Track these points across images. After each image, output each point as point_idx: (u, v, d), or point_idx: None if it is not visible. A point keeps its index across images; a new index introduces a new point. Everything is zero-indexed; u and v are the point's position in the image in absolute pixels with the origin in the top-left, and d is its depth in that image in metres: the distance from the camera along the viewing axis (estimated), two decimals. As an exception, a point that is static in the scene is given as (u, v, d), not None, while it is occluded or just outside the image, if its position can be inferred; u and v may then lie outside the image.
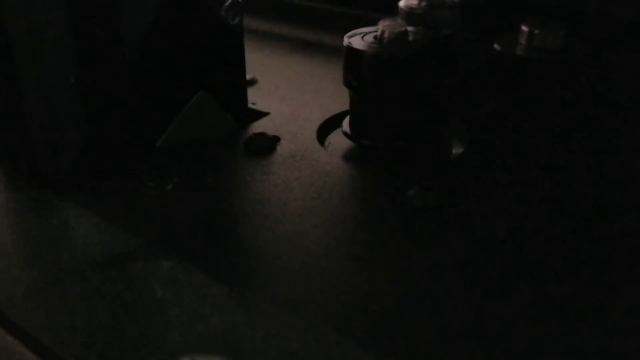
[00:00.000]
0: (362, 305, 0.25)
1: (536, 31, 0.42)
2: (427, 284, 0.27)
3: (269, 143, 0.38)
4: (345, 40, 0.37)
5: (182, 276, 0.27)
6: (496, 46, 0.44)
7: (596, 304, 0.25)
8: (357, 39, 0.37)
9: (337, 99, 0.43)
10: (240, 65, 0.41)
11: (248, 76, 0.47)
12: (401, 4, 0.39)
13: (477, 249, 0.29)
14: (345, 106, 0.40)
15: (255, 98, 0.45)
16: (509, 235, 0.30)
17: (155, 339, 0.24)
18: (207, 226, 0.31)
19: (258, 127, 0.41)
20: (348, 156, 0.39)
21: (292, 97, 0.45)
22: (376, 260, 0.28)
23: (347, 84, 0.37)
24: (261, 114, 0.43)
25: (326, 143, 0.40)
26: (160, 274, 0.28)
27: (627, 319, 0.25)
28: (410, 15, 0.39)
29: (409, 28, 0.37)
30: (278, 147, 0.38)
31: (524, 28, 0.43)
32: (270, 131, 0.40)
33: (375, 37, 0.37)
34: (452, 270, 0.28)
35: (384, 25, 0.37)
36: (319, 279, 0.27)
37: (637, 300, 0.26)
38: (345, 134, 0.39)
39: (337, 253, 0.29)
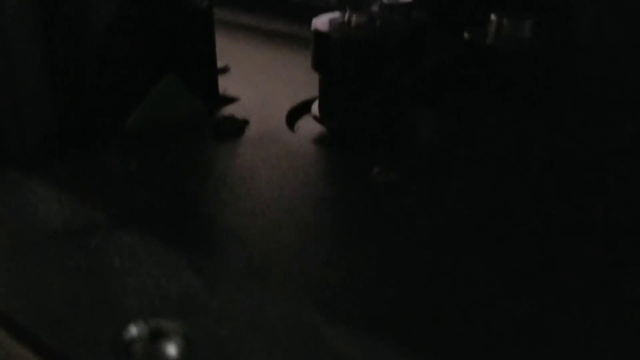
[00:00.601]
0: (321, 275, 0.26)
1: (505, 21, 0.43)
2: (385, 256, 0.27)
3: (237, 126, 0.38)
4: (314, 24, 0.37)
5: (141, 248, 0.27)
6: (466, 35, 0.44)
7: (554, 280, 0.26)
8: (325, 23, 0.37)
9: (308, 86, 0.43)
10: (210, 49, 0.41)
11: (220, 64, 0.47)
12: None
13: (437, 225, 0.29)
14: (316, 93, 0.40)
15: (227, 85, 0.45)
16: (469, 214, 0.30)
17: (110, 305, 0.24)
18: (170, 203, 0.31)
19: (227, 111, 0.41)
20: (316, 139, 0.39)
21: (263, 84, 0.46)
22: (336, 234, 0.28)
23: (315, 67, 0.38)
24: (231, 100, 0.43)
25: (295, 127, 0.41)
26: (120, 246, 0.28)
27: (583, 291, 0.25)
28: None
29: (377, 14, 0.38)
30: (247, 131, 0.39)
31: (493, 18, 0.44)
32: (240, 115, 0.40)
33: (343, 21, 0.37)
34: (411, 245, 0.28)
35: (351, 10, 0.37)
36: (278, 250, 0.27)
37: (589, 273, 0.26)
38: (314, 117, 0.39)
39: (298, 227, 0.29)
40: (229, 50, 0.52)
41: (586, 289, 0.25)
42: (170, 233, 0.29)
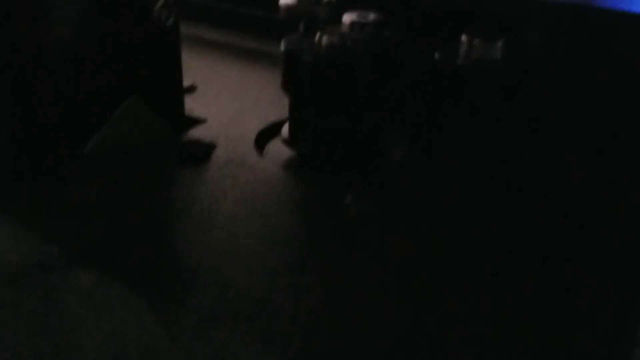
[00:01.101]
0: (289, 320, 0.24)
1: (475, 41, 0.42)
2: (358, 291, 0.26)
3: (204, 150, 0.37)
4: (283, 44, 0.36)
5: (100, 289, 0.26)
6: (437, 55, 0.44)
7: (522, 303, 0.25)
8: (295, 44, 0.36)
9: (277, 107, 0.41)
10: (176, 69, 0.39)
11: (187, 83, 0.46)
12: (281, 2, 0.40)
13: (409, 254, 0.28)
14: (286, 113, 0.39)
15: (194, 105, 0.43)
16: (439, 241, 0.29)
17: (67, 355, 0.22)
18: (131, 236, 0.29)
19: (194, 134, 0.40)
20: (286, 164, 0.38)
21: (232, 104, 0.44)
22: (306, 271, 0.27)
23: (285, 88, 0.36)
24: (198, 121, 0.41)
25: (264, 151, 0.39)
26: (78, 286, 0.26)
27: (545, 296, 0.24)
28: (288, 10, 0.39)
29: (348, 35, 0.37)
30: (214, 155, 0.37)
31: (464, 38, 0.43)
32: (207, 138, 0.39)
33: (313, 42, 0.36)
34: (383, 274, 0.27)
35: (322, 31, 0.36)
36: (243, 291, 0.26)
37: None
38: (284, 141, 0.38)
39: (265, 264, 0.28)
40: (197, 67, 0.51)
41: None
42: (131, 272, 0.27)
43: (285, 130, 0.38)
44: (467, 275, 0.27)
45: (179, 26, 0.37)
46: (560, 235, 0.30)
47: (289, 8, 0.41)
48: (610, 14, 0.33)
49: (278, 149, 0.39)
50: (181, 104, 0.41)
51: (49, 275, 0.27)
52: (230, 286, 0.26)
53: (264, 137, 0.40)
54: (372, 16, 0.44)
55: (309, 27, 0.40)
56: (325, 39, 0.35)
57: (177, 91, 0.40)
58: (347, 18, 0.43)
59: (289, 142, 0.38)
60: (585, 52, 0.47)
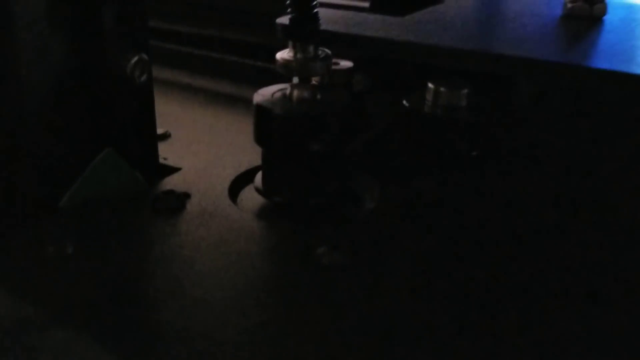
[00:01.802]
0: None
1: (442, 89, 0.44)
2: (333, 343, 0.27)
3: (177, 201, 0.38)
4: (255, 99, 0.37)
5: (76, 349, 0.26)
6: (405, 103, 0.45)
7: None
8: (267, 97, 0.37)
9: (252, 153, 0.42)
10: (150, 121, 0.40)
11: (161, 130, 0.46)
12: (277, 55, 0.41)
13: (379, 309, 0.29)
14: (260, 160, 0.40)
15: (167, 153, 0.44)
16: (412, 295, 0.30)
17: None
18: (107, 293, 0.30)
19: (168, 183, 0.40)
20: (259, 213, 0.39)
21: (206, 151, 0.45)
22: (281, 328, 0.28)
23: (258, 141, 0.37)
24: (172, 170, 0.42)
25: (238, 199, 0.40)
26: (54, 347, 0.26)
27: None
28: (286, 67, 0.40)
29: (318, 87, 0.38)
30: (188, 205, 0.38)
31: (430, 86, 0.45)
32: (181, 188, 0.39)
33: (284, 95, 0.37)
34: (357, 325, 0.28)
35: (292, 84, 0.37)
36: (218, 350, 0.26)
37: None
38: (257, 189, 0.39)
39: (240, 321, 0.28)
40: (170, 112, 0.52)
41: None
42: (106, 327, 0.27)
43: (258, 179, 0.39)
44: (442, 325, 0.28)
45: (152, 82, 0.38)
46: (532, 278, 0.31)
47: (285, 62, 0.40)
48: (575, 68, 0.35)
49: (252, 197, 0.40)
50: (155, 155, 0.41)
51: (24, 335, 0.27)
52: (206, 339, 0.27)
53: (237, 185, 0.41)
54: (341, 64, 0.46)
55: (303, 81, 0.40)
56: (295, 93, 0.37)
57: (151, 143, 0.40)
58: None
59: (262, 191, 0.39)
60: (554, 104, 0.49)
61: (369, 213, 0.39)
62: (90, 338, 0.27)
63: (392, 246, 0.34)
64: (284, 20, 0.39)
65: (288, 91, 0.37)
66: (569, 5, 0.45)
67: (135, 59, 0.36)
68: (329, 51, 0.40)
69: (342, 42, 0.40)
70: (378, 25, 0.41)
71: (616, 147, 0.46)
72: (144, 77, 0.36)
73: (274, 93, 0.38)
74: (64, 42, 0.34)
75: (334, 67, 0.44)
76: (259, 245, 0.35)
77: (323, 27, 0.39)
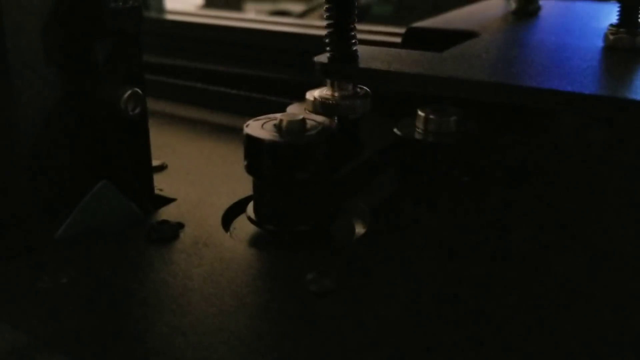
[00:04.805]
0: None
1: (431, 116, 0.45)
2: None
3: (171, 231, 0.38)
4: (245, 129, 0.38)
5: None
6: (396, 130, 0.46)
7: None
8: (257, 127, 0.38)
9: (246, 183, 0.43)
10: (145, 153, 0.41)
11: (158, 162, 0.47)
12: (315, 94, 0.41)
13: (368, 335, 0.29)
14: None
15: (163, 184, 0.45)
16: (401, 322, 0.30)
17: None
18: (100, 323, 0.30)
19: (163, 214, 0.41)
20: (252, 241, 0.39)
21: (201, 182, 0.46)
22: (271, 354, 0.28)
23: (248, 170, 0.38)
24: (168, 200, 0.43)
25: (231, 228, 0.41)
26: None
27: None
28: (324, 105, 0.40)
29: (308, 116, 0.39)
30: (181, 234, 0.38)
31: (420, 113, 0.46)
32: (175, 218, 0.40)
33: (274, 125, 0.38)
34: (347, 353, 0.28)
35: (282, 114, 0.38)
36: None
37: None
38: (249, 218, 0.40)
39: (231, 348, 0.28)
40: (168, 144, 0.53)
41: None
42: (98, 358, 0.28)
43: (250, 208, 0.40)
44: (433, 353, 0.28)
45: (146, 114, 0.39)
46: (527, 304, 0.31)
47: (323, 100, 0.41)
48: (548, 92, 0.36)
49: (244, 226, 0.41)
50: (151, 185, 0.42)
51: (16, 365, 0.27)
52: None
53: (230, 214, 0.42)
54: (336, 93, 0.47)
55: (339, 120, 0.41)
56: (284, 123, 0.37)
57: (146, 174, 0.41)
58: (310, 95, 0.45)
59: (254, 220, 0.39)
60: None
61: (359, 239, 0.39)
62: (80, 366, 0.27)
63: (382, 272, 0.35)
64: (323, 58, 0.40)
65: (277, 121, 0.38)
66: (611, 37, 0.44)
67: (129, 92, 0.37)
68: (367, 89, 0.40)
69: (383, 80, 0.39)
70: (418, 62, 0.40)
71: (610, 166, 0.46)
72: (137, 110, 0.37)
73: (264, 123, 0.39)
74: (58, 76, 0.35)
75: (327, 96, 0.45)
76: (249, 272, 0.35)
77: (366, 64, 0.39)
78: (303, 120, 0.38)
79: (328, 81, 0.40)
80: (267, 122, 0.39)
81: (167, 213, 0.41)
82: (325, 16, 0.40)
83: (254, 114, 0.40)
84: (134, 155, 0.40)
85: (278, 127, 0.38)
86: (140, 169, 0.41)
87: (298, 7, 1.28)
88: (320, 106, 0.41)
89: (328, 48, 0.40)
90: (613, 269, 0.35)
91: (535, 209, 0.42)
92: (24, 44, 0.34)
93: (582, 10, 0.58)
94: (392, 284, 0.33)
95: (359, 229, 0.41)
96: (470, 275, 0.34)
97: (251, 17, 0.79)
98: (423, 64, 0.40)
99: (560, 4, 0.62)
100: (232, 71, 0.64)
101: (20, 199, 0.35)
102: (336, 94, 0.41)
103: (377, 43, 0.51)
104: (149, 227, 0.39)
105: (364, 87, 0.42)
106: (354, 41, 0.40)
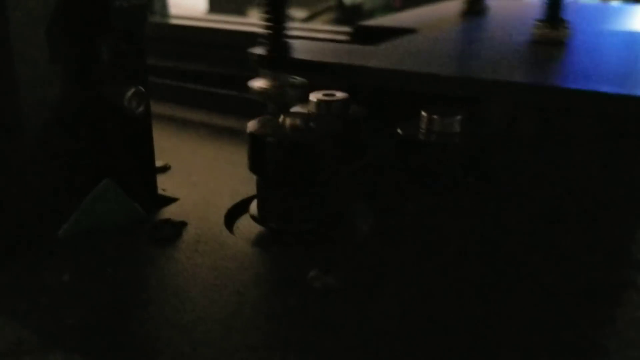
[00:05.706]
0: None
1: (434, 117, 0.45)
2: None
3: (174, 229, 0.38)
4: (249, 127, 0.38)
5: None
6: (399, 131, 0.46)
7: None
8: (261, 126, 0.38)
9: (249, 184, 0.43)
10: (148, 152, 0.41)
11: (161, 163, 0.47)
12: (254, 84, 0.44)
13: (371, 332, 0.29)
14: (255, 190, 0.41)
15: (167, 184, 0.45)
16: (405, 320, 0.30)
17: None
18: (101, 319, 0.30)
19: (165, 213, 0.41)
20: (255, 240, 0.39)
21: (204, 182, 0.46)
22: (273, 351, 0.28)
23: (252, 169, 0.38)
24: (171, 200, 0.43)
25: (234, 227, 0.41)
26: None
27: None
28: (263, 94, 0.43)
29: (312, 115, 0.39)
30: (184, 233, 0.38)
31: (424, 114, 0.46)
32: (178, 217, 0.40)
33: (278, 124, 0.38)
34: (347, 356, 0.28)
35: (286, 113, 0.38)
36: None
37: None
38: (252, 217, 0.39)
39: (234, 345, 0.28)
40: (171, 146, 0.53)
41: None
42: (100, 353, 0.28)
43: (253, 206, 0.40)
44: (436, 349, 0.28)
45: (150, 113, 0.39)
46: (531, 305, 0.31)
47: (262, 90, 0.44)
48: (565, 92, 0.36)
49: (247, 225, 0.40)
50: (154, 185, 0.42)
51: (17, 358, 0.27)
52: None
53: (233, 214, 0.42)
54: (337, 95, 0.47)
55: (279, 109, 0.43)
56: (288, 121, 0.37)
57: (149, 173, 0.41)
58: (313, 97, 0.45)
59: (257, 218, 0.39)
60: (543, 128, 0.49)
61: (362, 237, 0.39)
62: (83, 361, 0.27)
63: (385, 270, 0.34)
64: (257, 50, 0.42)
65: (281, 120, 0.38)
66: (536, 31, 0.48)
67: (132, 90, 0.37)
68: (304, 79, 0.42)
69: (311, 70, 0.43)
70: (353, 54, 0.43)
71: (606, 165, 0.46)
72: (140, 109, 0.37)
73: (268, 122, 0.39)
74: (62, 73, 0.35)
75: (330, 98, 0.45)
76: (251, 270, 0.35)
77: (298, 56, 0.42)
78: (307, 119, 0.38)
79: (263, 72, 0.43)
80: (271, 120, 0.39)
81: (170, 212, 0.41)
82: (262, 17, 0.43)
83: (256, 116, 0.40)
84: (137, 154, 0.40)
85: (282, 126, 0.38)
86: (143, 168, 0.41)
87: (301, 13, 1.29)
88: (257, 95, 0.43)
89: (263, 41, 0.43)
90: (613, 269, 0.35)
91: (542, 207, 0.42)
92: (29, 42, 0.34)
93: (534, 9, 0.59)
94: (396, 283, 0.33)
95: (362, 228, 0.40)
96: (475, 274, 0.34)
97: (254, 22, 0.79)
98: (347, 55, 0.43)
99: (513, 4, 0.63)
100: (236, 74, 0.64)
101: (24, 197, 0.35)
102: (274, 83, 0.44)
103: (335, 41, 0.55)
104: (151, 226, 0.38)
105: (300, 78, 0.45)
106: (286, 37, 0.43)
